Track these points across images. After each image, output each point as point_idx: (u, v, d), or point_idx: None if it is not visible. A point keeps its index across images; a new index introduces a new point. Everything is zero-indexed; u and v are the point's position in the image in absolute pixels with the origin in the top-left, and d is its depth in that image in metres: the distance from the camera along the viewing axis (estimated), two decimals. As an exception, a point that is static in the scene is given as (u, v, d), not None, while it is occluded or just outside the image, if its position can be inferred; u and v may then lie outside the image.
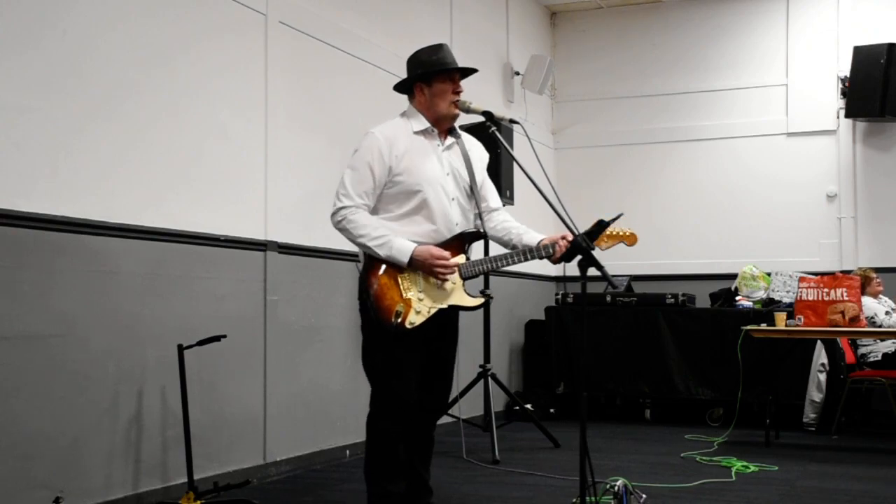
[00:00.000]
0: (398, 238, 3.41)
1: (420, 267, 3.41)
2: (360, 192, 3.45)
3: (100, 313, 4.13)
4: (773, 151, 8.42)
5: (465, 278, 3.51)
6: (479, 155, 3.73)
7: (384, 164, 3.46)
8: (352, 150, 3.58)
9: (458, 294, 3.50)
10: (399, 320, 3.37)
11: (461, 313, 3.62)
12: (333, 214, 3.49)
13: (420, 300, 3.42)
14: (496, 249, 3.69)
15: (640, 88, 8.92)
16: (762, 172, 8.43)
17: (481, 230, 3.64)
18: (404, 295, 3.40)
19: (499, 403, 7.44)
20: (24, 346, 3.77)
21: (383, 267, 3.42)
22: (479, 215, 3.66)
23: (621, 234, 3.56)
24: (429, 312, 3.43)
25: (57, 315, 3.92)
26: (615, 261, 7.48)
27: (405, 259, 3.38)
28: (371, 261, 3.44)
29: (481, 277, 6.24)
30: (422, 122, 3.55)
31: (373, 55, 6.14)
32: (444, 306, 3.48)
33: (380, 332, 3.43)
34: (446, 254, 3.44)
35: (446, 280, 3.44)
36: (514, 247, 3.61)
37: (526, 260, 3.53)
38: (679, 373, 7.41)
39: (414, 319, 3.39)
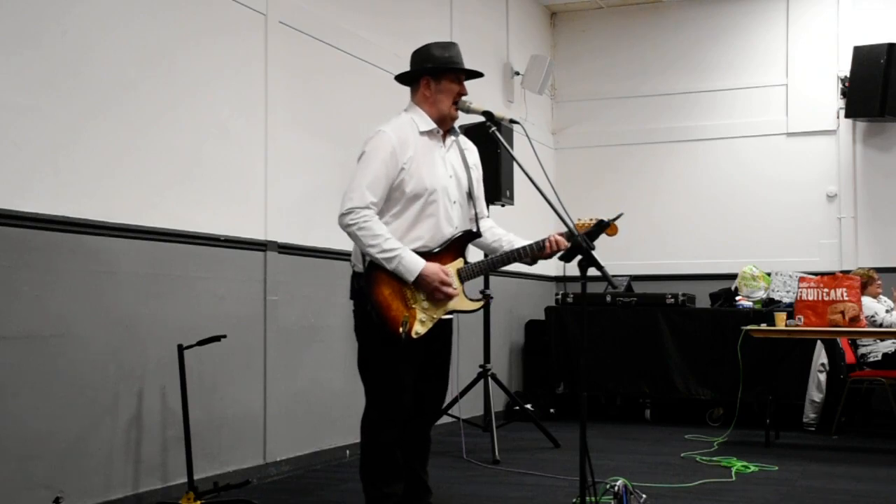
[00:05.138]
0: (408, 253, 3.34)
1: (424, 286, 3.35)
2: (373, 193, 3.36)
3: (100, 313, 4.13)
4: (773, 151, 8.42)
5: (464, 281, 3.50)
6: (475, 161, 3.71)
7: (396, 165, 3.39)
8: (359, 149, 3.50)
9: (459, 299, 3.47)
10: (405, 330, 3.34)
11: (457, 315, 3.61)
12: (344, 215, 3.35)
13: (425, 309, 3.39)
14: (477, 255, 3.67)
15: (640, 88, 8.92)
16: (762, 172, 8.43)
17: (477, 230, 3.61)
18: (410, 304, 3.37)
19: (499, 403, 7.44)
20: (24, 346, 3.77)
21: (385, 276, 3.35)
22: (476, 217, 3.64)
23: (587, 224, 3.50)
24: (432, 321, 3.41)
25: (57, 315, 3.92)
26: (615, 261, 7.53)
27: (412, 278, 3.32)
28: (374, 268, 3.37)
29: (481, 277, 6.24)
30: (427, 122, 3.51)
31: (373, 55, 6.14)
32: (447, 314, 3.47)
33: (380, 341, 3.39)
34: (451, 279, 3.40)
35: (442, 300, 3.41)
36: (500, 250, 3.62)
37: (520, 258, 3.53)
38: (679, 373, 7.41)
39: (419, 329, 3.37)
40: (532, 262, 3.58)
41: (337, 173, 5.59)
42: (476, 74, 3.60)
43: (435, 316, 3.42)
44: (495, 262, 3.55)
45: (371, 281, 3.36)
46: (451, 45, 3.57)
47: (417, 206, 3.43)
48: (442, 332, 3.56)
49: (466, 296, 3.49)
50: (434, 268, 3.36)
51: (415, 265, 3.33)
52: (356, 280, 3.50)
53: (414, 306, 3.37)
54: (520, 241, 3.62)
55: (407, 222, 3.43)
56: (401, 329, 3.33)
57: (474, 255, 3.62)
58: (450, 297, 3.39)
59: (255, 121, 5.15)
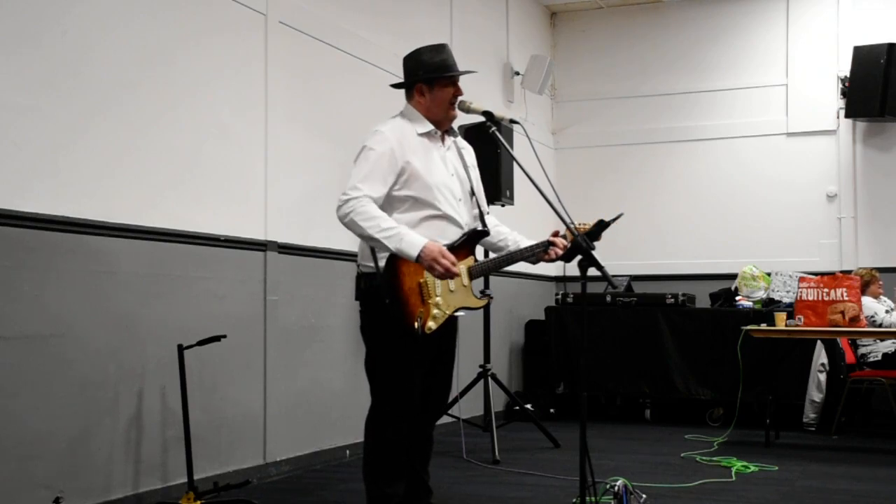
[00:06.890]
0: (407, 230, 3.30)
1: (425, 259, 3.27)
2: (369, 187, 3.33)
3: (100, 313, 4.13)
4: (773, 151, 8.42)
5: (473, 278, 3.51)
6: (472, 161, 3.73)
7: (395, 164, 3.39)
8: (357, 149, 3.49)
9: (467, 296, 3.50)
10: (420, 325, 3.35)
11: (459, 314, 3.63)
12: (339, 207, 3.32)
13: (438, 305, 3.40)
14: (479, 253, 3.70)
15: (640, 88, 8.92)
16: (762, 172, 8.43)
17: (486, 229, 3.63)
18: (425, 300, 3.37)
19: (499, 403, 7.44)
20: (24, 346, 3.77)
21: (405, 271, 3.33)
22: (481, 214, 3.66)
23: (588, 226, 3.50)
24: (444, 318, 3.42)
25: (57, 315, 3.92)
26: (615, 261, 7.53)
27: (415, 253, 3.25)
28: (392, 265, 3.33)
29: (481, 278, 6.24)
30: (424, 125, 3.52)
31: (373, 55, 6.14)
32: (457, 310, 3.48)
33: (395, 339, 3.39)
34: (452, 257, 3.36)
35: (446, 279, 3.40)
36: (506, 249, 3.67)
37: (527, 256, 3.55)
38: (679, 373, 7.41)
39: (432, 325, 3.37)
40: (536, 261, 3.61)
41: (337, 173, 5.58)
42: (468, 73, 3.61)
43: (447, 312, 3.43)
44: (503, 261, 3.58)
45: (392, 273, 3.33)
46: (442, 48, 3.57)
47: (424, 204, 3.44)
48: (451, 328, 3.59)
49: (474, 293, 3.52)
50: (434, 244, 3.31)
51: (417, 241, 3.28)
52: (363, 280, 3.50)
53: (429, 301, 3.38)
54: (525, 241, 3.64)
55: (415, 221, 3.42)
56: (416, 324, 3.34)
57: (477, 253, 3.63)
58: (450, 272, 3.31)
59: (255, 121, 5.15)
